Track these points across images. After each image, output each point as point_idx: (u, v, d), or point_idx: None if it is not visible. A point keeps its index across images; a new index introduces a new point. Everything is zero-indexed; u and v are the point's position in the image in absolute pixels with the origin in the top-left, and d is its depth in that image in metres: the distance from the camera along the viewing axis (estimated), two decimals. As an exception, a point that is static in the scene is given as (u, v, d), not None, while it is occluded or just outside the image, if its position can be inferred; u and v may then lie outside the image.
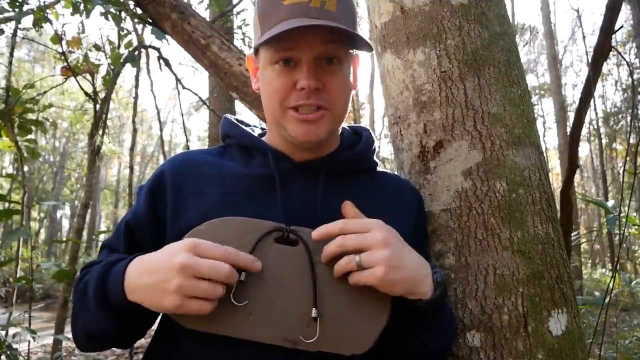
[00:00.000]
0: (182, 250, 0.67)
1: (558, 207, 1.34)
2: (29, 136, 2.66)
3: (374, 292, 0.73)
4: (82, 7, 2.63)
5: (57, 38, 2.75)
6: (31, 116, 2.69)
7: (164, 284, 0.66)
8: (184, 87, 3.34)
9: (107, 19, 2.63)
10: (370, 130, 0.97)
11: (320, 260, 0.74)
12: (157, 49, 2.95)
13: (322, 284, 0.73)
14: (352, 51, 0.85)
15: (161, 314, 0.80)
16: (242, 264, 0.69)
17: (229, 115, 0.96)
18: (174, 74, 3.18)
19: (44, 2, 2.74)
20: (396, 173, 1.09)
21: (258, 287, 0.72)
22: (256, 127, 0.99)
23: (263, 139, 0.91)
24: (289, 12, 0.76)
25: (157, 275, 0.68)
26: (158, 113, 3.40)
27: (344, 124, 0.93)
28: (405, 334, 0.78)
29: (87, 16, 2.56)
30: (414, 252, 0.76)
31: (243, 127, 0.92)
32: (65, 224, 25.66)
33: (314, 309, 0.71)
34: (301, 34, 0.74)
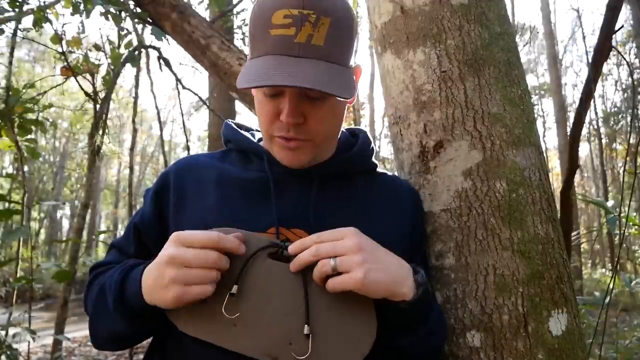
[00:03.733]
0: (169, 245, 0.70)
1: (558, 207, 1.34)
2: (29, 136, 2.66)
3: (362, 310, 0.74)
4: (82, 7, 2.63)
5: (57, 38, 2.75)
6: (31, 116, 2.69)
7: (160, 280, 0.69)
8: (184, 87, 3.34)
9: (107, 19, 2.63)
10: (367, 132, 0.98)
11: (313, 278, 0.74)
12: (157, 49, 2.95)
13: (313, 302, 0.73)
14: (352, 64, 0.83)
15: None
16: (227, 248, 0.70)
17: (229, 121, 0.98)
18: (174, 74, 3.18)
19: (44, 2, 2.74)
20: (396, 173, 1.09)
21: (246, 300, 0.73)
22: (258, 130, 1.00)
23: (262, 143, 0.92)
24: (274, 44, 0.74)
25: (154, 274, 0.70)
26: (158, 113, 3.40)
27: (343, 127, 0.93)
28: (391, 338, 0.78)
29: (87, 16, 2.56)
30: (391, 255, 0.76)
31: (242, 132, 0.94)
32: (65, 224, 25.64)
33: (306, 326, 0.72)
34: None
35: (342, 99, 0.79)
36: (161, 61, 2.96)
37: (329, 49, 0.75)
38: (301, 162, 0.83)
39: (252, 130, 0.99)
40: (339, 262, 0.70)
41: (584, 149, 21.78)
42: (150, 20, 2.57)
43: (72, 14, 2.69)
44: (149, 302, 0.72)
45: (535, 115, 1.16)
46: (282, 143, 0.80)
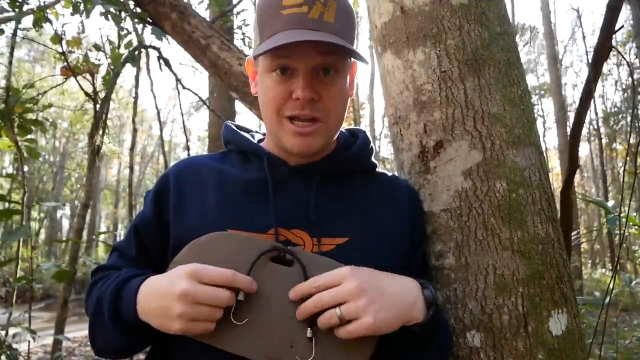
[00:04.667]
0: (183, 277, 0.69)
1: (558, 207, 1.34)
2: (29, 136, 2.66)
3: None
4: (82, 7, 2.63)
5: (57, 38, 2.75)
6: (31, 116, 2.69)
7: (168, 311, 0.69)
8: (184, 87, 3.34)
9: (107, 19, 2.63)
10: (367, 132, 0.98)
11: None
12: (157, 49, 2.95)
13: None
14: (349, 59, 0.86)
15: None
16: (240, 286, 0.71)
17: (229, 122, 0.98)
18: (174, 74, 3.18)
19: (44, 2, 2.74)
20: (396, 173, 1.09)
21: (249, 304, 0.73)
22: (257, 132, 1.01)
23: (262, 144, 0.93)
24: (287, 22, 0.77)
25: (162, 301, 0.70)
26: (158, 113, 3.40)
27: (342, 127, 0.94)
28: (404, 354, 0.78)
29: (87, 16, 2.56)
30: (395, 281, 0.75)
31: (242, 133, 0.94)
32: (65, 224, 25.62)
33: (309, 329, 0.72)
34: (298, 44, 0.75)
35: (350, 77, 0.86)
36: (161, 61, 2.97)
37: (339, 26, 0.79)
38: (312, 148, 0.82)
39: (252, 131, 1.00)
40: (345, 312, 0.69)
41: (584, 149, 21.77)
42: (150, 20, 2.57)
43: (72, 14, 2.69)
44: (144, 321, 0.73)
45: (535, 115, 1.16)
46: (295, 129, 0.80)
